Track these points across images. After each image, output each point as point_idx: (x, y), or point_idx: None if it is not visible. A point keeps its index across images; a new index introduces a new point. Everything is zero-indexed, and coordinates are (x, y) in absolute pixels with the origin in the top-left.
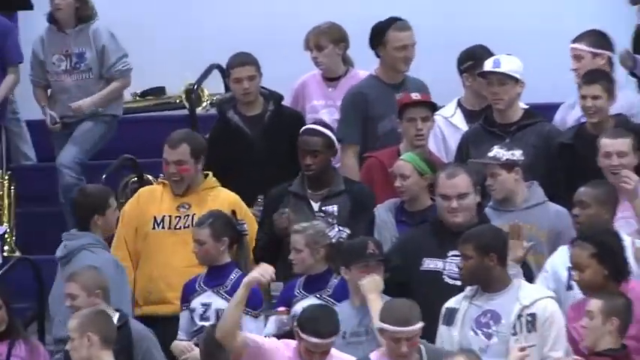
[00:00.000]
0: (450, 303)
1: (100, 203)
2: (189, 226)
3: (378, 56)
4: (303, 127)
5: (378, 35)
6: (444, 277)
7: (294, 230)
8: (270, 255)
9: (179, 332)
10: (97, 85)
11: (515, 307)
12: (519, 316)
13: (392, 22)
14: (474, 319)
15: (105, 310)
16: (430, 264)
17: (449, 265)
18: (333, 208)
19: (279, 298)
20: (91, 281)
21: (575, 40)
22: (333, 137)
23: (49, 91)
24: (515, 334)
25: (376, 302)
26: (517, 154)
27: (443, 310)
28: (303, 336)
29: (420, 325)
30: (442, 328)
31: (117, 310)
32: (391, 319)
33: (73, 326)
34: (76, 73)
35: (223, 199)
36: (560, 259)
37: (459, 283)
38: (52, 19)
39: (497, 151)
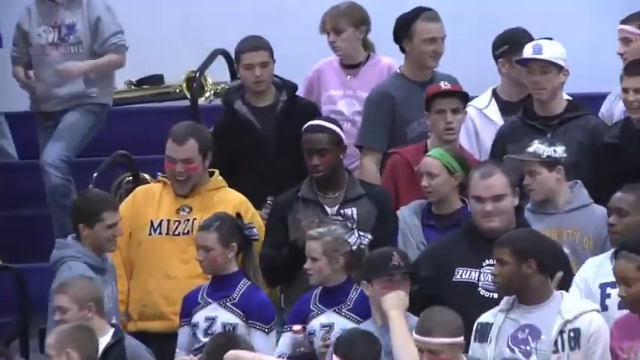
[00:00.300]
0: (483, 318)
1: (88, 213)
2: (189, 232)
3: (404, 51)
4: (306, 125)
5: (404, 27)
6: (479, 289)
7: (310, 237)
8: (284, 274)
9: (177, 350)
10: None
11: (557, 321)
12: (561, 332)
13: (419, 12)
14: (510, 335)
15: (86, 324)
16: (464, 274)
17: (484, 276)
18: (353, 211)
19: (293, 313)
20: (83, 293)
21: (624, 22)
22: (341, 133)
23: (31, 73)
24: (556, 351)
25: (398, 321)
26: (559, 151)
27: (475, 325)
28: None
29: (446, 340)
30: (474, 346)
31: (112, 326)
32: (417, 326)
33: (51, 343)
34: (63, 46)
35: (229, 201)
36: (590, 273)
37: (496, 295)
38: None
39: (538, 147)
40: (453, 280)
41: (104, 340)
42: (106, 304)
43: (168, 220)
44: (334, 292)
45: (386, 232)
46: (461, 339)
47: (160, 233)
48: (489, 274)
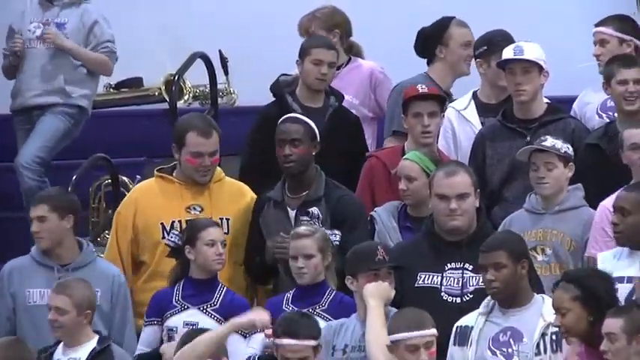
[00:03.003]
0: (462, 321)
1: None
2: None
3: (430, 61)
4: (283, 117)
5: (438, 34)
6: (442, 293)
7: (299, 234)
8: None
9: (140, 347)
10: (71, 60)
11: (539, 323)
12: (543, 335)
13: (448, 19)
14: (492, 338)
15: (18, 337)
16: (426, 279)
17: (447, 280)
18: (318, 211)
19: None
20: (86, 299)
21: (599, 24)
22: (316, 129)
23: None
24: (538, 353)
25: (376, 310)
26: (571, 149)
27: (454, 329)
28: (279, 341)
29: (435, 330)
30: (454, 349)
31: (96, 332)
32: (403, 325)
33: None
34: (50, 41)
35: (241, 194)
36: None
37: (458, 300)
38: None
39: (555, 141)
40: (416, 285)
41: (86, 349)
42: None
43: (180, 221)
44: (310, 292)
45: (348, 237)
46: (425, 332)
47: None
48: (452, 279)
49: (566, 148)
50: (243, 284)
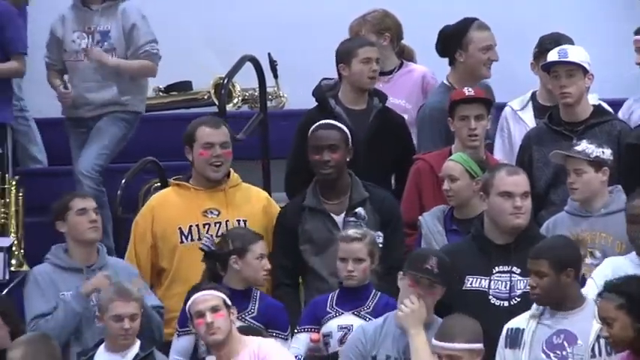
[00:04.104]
0: (512, 323)
1: (56, 210)
2: (221, 235)
3: (451, 63)
4: (316, 124)
5: (456, 38)
6: (489, 297)
7: (350, 238)
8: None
9: (175, 356)
10: (113, 69)
11: (594, 326)
12: (598, 337)
13: (469, 22)
14: (545, 341)
15: (44, 334)
16: (474, 283)
17: (495, 284)
18: (364, 212)
19: (307, 314)
20: (142, 299)
21: (638, 32)
22: (349, 135)
23: (66, 77)
24: (594, 356)
25: (419, 337)
26: (607, 153)
27: (504, 331)
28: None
29: (467, 346)
30: (505, 352)
31: (137, 338)
32: (437, 333)
33: (17, 357)
34: None
35: (254, 197)
36: (608, 271)
37: (505, 303)
38: None
39: (587, 146)
40: (463, 288)
41: (132, 352)
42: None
43: (197, 225)
44: (355, 294)
45: (394, 236)
46: (480, 345)
47: (192, 240)
48: (500, 282)
49: (600, 152)
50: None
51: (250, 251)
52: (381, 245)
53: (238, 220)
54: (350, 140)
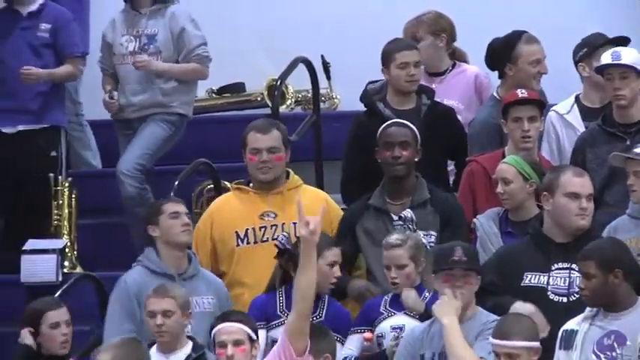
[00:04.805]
0: (568, 325)
1: (149, 214)
2: (278, 237)
3: (501, 76)
4: (385, 123)
5: (506, 51)
6: (548, 293)
7: (390, 245)
8: None
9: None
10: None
11: None
12: None
13: (517, 35)
14: (596, 342)
15: (135, 338)
16: (533, 279)
17: (554, 280)
18: (412, 214)
19: (361, 316)
20: (186, 300)
21: None
22: (419, 136)
23: (115, 94)
24: None
25: (452, 327)
26: None
27: (560, 333)
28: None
29: (525, 344)
30: (560, 353)
31: (189, 338)
32: (495, 330)
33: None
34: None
35: (312, 198)
36: None
37: (564, 299)
38: None
39: None
40: (522, 284)
41: (183, 353)
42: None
43: (254, 228)
44: None
45: (455, 237)
46: (538, 344)
47: (248, 243)
48: (559, 279)
49: None
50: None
51: (323, 257)
52: (432, 245)
53: (294, 223)
54: (419, 140)
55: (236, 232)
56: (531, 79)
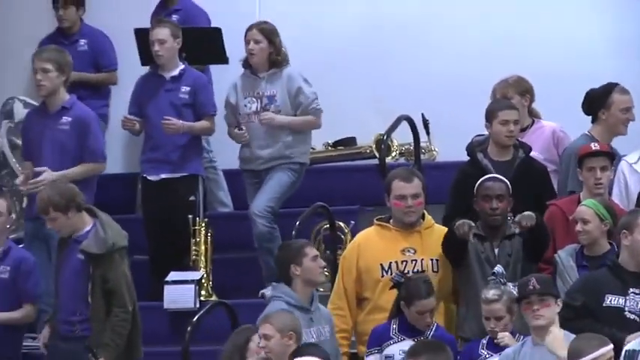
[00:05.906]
0: (631, 345)
1: (294, 254)
2: (418, 271)
3: (594, 120)
4: (485, 177)
5: (602, 99)
6: (625, 312)
7: (489, 300)
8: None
9: None
10: (284, 128)
11: None
12: None
13: (612, 86)
14: None
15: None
16: (612, 300)
17: (630, 302)
18: (501, 269)
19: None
20: (285, 323)
21: None
22: (510, 188)
23: (244, 127)
24: None
25: (556, 341)
26: None
27: (623, 352)
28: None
29: (593, 355)
30: None
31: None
32: (569, 348)
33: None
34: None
35: (442, 234)
36: None
37: (638, 319)
38: (246, 64)
39: None
40: (604, 305)
41: None
42: (310, 338)
43: (397, 262)
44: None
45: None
46: (605, 348)
47: (391, 274)
48: (635, 301)
49: None
50: (451, 316)
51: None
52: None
53: (431, 259)
54: (510, 192)
55: (381, 264)
56: (620, 124)
